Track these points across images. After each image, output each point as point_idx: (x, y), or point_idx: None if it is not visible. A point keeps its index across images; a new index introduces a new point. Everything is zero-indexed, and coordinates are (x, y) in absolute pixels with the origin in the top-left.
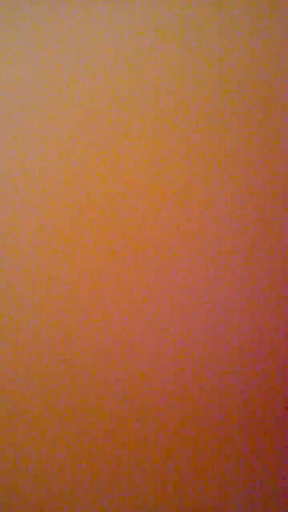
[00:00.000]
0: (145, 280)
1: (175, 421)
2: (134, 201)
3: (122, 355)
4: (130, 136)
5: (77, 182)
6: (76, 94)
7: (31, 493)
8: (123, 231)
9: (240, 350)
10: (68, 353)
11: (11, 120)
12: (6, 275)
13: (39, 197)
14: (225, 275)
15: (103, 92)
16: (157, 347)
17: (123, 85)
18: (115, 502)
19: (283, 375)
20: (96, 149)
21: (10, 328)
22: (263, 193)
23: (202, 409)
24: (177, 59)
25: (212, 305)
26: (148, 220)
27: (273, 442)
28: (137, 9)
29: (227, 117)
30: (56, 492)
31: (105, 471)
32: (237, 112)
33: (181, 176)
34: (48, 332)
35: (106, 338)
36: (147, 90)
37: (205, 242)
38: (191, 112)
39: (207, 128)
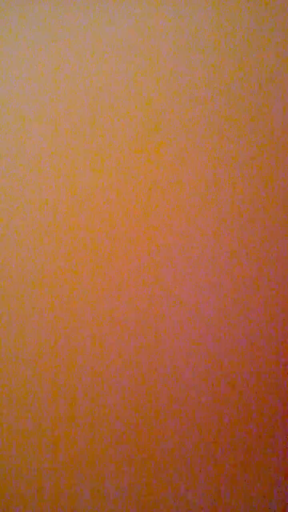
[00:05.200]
0: (145, 282)
1: (176, 421)
2: (134, 200)
3: (122, 358)
4: (130, 135)
5: (78, 182)
6: (75, 94)
7: (30, 496)
8: (122, 233)
9: (240, 350)
10: (68, 353)
11: (10, 120)
12: (5, 278)
13: (39, 196)
14: (226, 276)
15: (103, 92)
16: (157, 346)
17: (123, 85)
18: (115, 502)
19: (284, 375)
20: (95, 147)
21: (10, 327)
22: (263, 192)
23: (203, 411)
24: (176, 59)
25: (212, 313)
26: (148, 222)
27: (273, 442)
28: (137, 10)
29: (226, 118)
30: (55, 494)
31: (105, 471)
32: (236, 112)
33: (180, 176)
34: (48, 333)
35: (106, 336)
36: (146, 90)
37: (205, 243)
38: (190, 111)
39: (206, 128)
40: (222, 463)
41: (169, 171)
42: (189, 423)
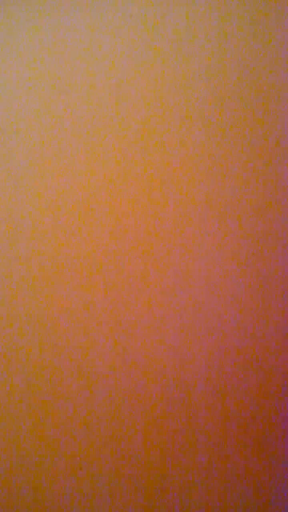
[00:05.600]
0: (145, 283)
1: (176, 420)
2: (134, 202)
3: (122, 358)
4: (130, 136)
5: (78, 181)
6: (75, 96)
7: (31, 495)
8: (123, 234)
9: (240, 350)
10: (68, 354)
11: (11, 122)
12: (6, 281)
13: (39, 193)
14: (226, 276)
15: (103, 93)
16: (157, 344)
17: (122, 85)
18: (115, 503)
19: (284, 375)
20: (95, 147)
21: (11, 326)
22: (263, 193)
23: (202, 409)
24: (176, 58)
25: (212, 310)
26: (148, 222)
27: (274, 442)
28: (137, 11)
29: (226, 117)
30: (55, 493)
31: (105, 473)
32: (236, 111)
33: (180, 176)
34: (48, 331)
35: (105, 335)
36: (146, 91)
37: (205, 243)
38: (190, 111)
39: (206, 128)
40: (222, 461)
41: (169, 172)
42: (189, 422)
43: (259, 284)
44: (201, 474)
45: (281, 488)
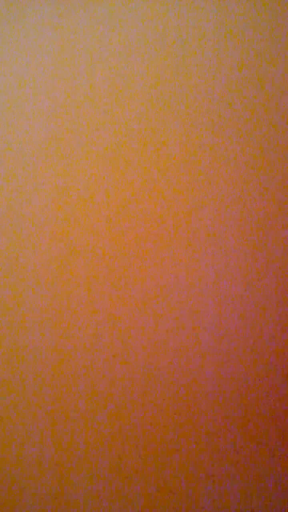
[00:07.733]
0: (144, 283)
1: (175, 420)
2: (134, 203)
3: (122, 357)
4: (130, 136)
5: (78, 183)
6: (76, 95)
7: (32, 493)
8: (124, 235)
9: (241, 350)
10: (68, 355)
11: (10, 118)
12: (7, 280)
13: (40, 193)
14: (226, 273)
15: (103, 93)
16: (157, 342)
17: (122, 84)
18: (115, 501)
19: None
20: (94, 147)
21: (11, 327)
22: (264, 192)
23: (203, 409)
24: (176, 55)
25: (213, 311)
26: (149, 222)
27: (272, 441)
28: (136, 9)
29: (227, 117)
30: (55, 492)
31: (105, 471)
32: (236, 110)
33: (181, 176)
34: (50, 327)
35: (103, 334)
36: (145, 91)
37: (205, 242)
38: (191, 110)
39: (206, 127)
40: (222, 460)
41: (168, 170)
42: (189, 421)
43: (260, 280)
44: (202, 471)
45: (281, 486)
